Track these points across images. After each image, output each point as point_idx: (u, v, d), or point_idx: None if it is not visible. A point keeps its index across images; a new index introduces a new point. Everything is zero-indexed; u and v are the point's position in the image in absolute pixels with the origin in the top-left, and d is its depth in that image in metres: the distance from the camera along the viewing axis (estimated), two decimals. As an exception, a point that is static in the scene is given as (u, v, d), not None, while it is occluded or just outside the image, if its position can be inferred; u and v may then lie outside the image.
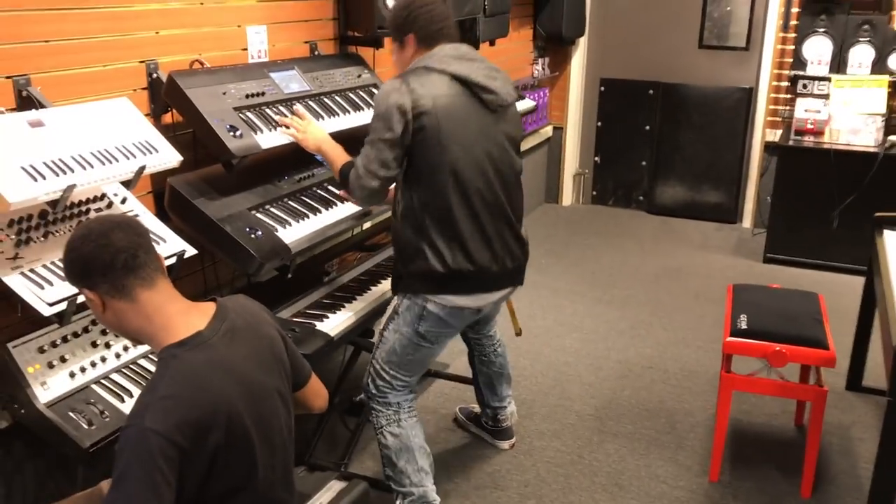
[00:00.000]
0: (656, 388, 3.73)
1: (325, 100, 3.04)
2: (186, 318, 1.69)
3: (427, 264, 2.45)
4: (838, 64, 5.27)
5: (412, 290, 2.53)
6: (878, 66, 5.16)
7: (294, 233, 2.62)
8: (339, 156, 2.67)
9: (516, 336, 3.22)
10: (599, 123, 6.47)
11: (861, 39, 5.19)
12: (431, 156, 2.39)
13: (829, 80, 5.25)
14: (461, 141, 2.40)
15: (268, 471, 1.75)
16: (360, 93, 3.23)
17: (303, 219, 2.71)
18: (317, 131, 2.76)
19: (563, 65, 6.27)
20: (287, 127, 2.73)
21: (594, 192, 6.65)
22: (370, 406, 2.69)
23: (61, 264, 2.01)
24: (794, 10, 5.44)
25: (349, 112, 3.08)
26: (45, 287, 1.97)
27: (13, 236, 2.03)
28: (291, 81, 2.95)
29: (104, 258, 1.63)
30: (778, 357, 2.84)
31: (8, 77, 2.19)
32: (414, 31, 2.49)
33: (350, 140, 3.15)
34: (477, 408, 3.33)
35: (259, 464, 1.71)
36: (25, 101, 2.19)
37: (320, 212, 2.79)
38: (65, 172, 1.99)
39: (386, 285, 2.98)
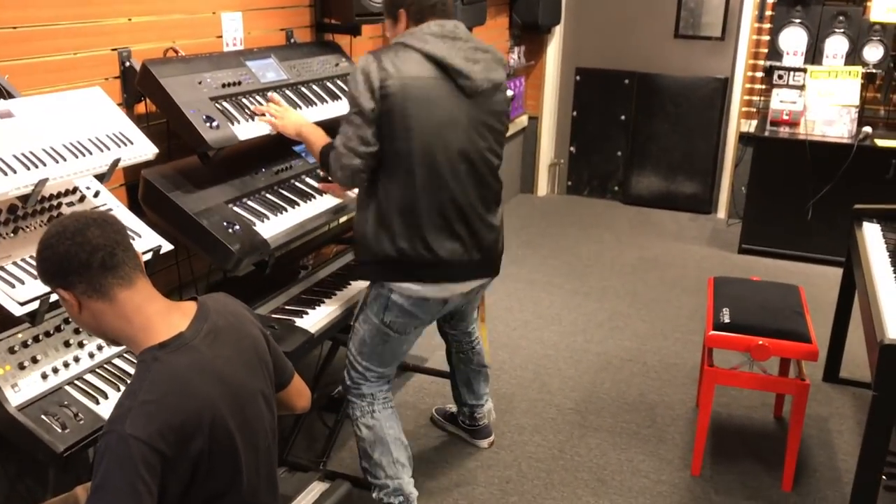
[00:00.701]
0: (636, 381, 3.73)
1: (303, 89, 2.98)
2: (167, 318, 1.63)
3: (385, 250, 2.42)
4: (813, 55, 5.30)
5: (374, 277, 2.51)
6: (853, 58, 5.19)
7: (272, 227, 2.57)
8: (319, 138, 2.62)
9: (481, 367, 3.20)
10: (575, 113, 6.46)
11: (836, 30, 5.22)
12: (395, 138, 2.33)
13: (804, 70, 5.28)
14: (427, 125, 2.33)
15: (252, 475, 1.70)
16: (338, 81, 3.17)
17: (281, 212, 2.66)
18: (295, 116, 2.71)
19: (538, 54, 6.24)
20: (264, 115, 2.67)
21: (569, 183, 6.65)
22: (347, 398, 2.69)
23: (33, 262, 1.94)
24: (770, 0, 5.45)
25: (327, 101, 3.02)
26: (15, 286, 1.90)
27: (-19, 232, 1.96)
28: (268, 70, 2.89)
29: (80, 257, 1.57)
30: (761, 351, 2.84)
31: (-26, 66, 2.11)
32: (405, 7, 2.43)
33: (328, 130, 3.09)
34: (453, 407, 3.29)
35: (243, 468, 1.66)
36: (-7, 91, 2.11)
37: (298, 205, 2.74)
38: (36, 166, 1.92)
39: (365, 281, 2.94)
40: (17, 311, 1.87)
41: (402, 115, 2.31)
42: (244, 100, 2.69)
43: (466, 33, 2.45)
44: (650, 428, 3.36)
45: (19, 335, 2.03)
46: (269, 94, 2.78)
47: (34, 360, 2.02)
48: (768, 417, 3.46)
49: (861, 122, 5.12)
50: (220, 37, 2.99)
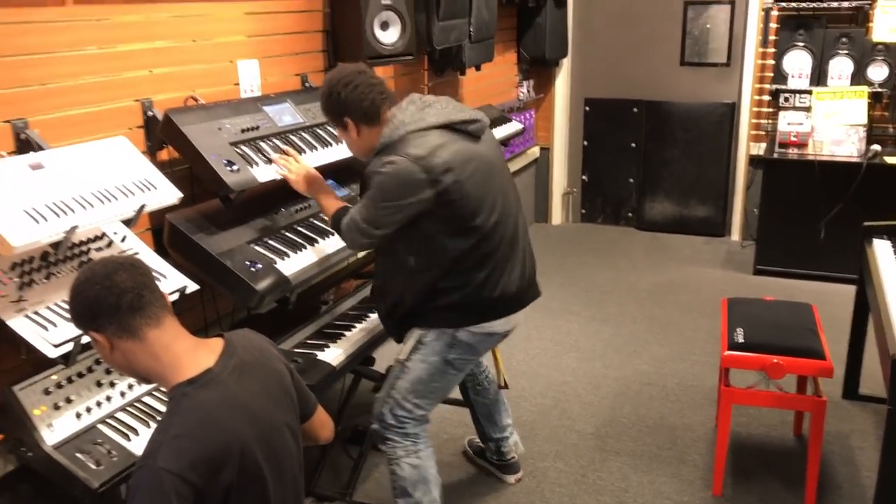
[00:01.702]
0: (655, 404, 3.74)
1: (318, 131, 3.06)
2: (195, 355, 1.69)
3: (455, 300, 2.47)
4: (818, 76, 5.35)
5: (443, 324, 2.53)
6: (858, 78, 5.24)
7: (293, 264, 2.64)
8: (331, 202, 2.65)
9: (501, 388, 3.21)
10: (586, 142, 6.53)
11: (840, 52, 5.27)
12: (462, 206, 2.39)
13: (810, 92, 5.33)
14: (474, 179, 2.41)
15: (279, 504, 1.75)
16: (352, 122, 3.25)
17: (301, 250, 2.72)
18: (309, 175, 2.73)
19: (547, 86, 6.33)
20: (284, 158, 2.75)
21: (583, 211, 6.70)
22: (385, 437, 2.64)
23: (65, 305, 2.02)
24: (773, 25, 5.52)
25: (342, 142, 3.09)
26: (49, 328, 1.98)
27: (16, 279, 2.04)
28: (285, 114, 2.97)
29: (110, 300, 1.63)
30: (776, 369, 2.86)
31: (6, 121, 2.20)
32: (348, 114, 2.44)
33: (344, 170, 3.18)
34: (480, 442, 3.28)
35: (272, 499, 1.71)
36: (24, 144, 2.21)
37: (317, 242, 2.81)
38: (66, 213, 2.01)
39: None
40: (52, 353, 1.94)
41: (461, 184, 2.37)
42: (262, 143, 2.77)
43: (430, 96, 2.53)
44: (671, 450, 3.37)
45: (53, 377, 2.11)
46: (286, 147, 2.82)
47: (68, 401, 2.09)
48: (788, 436, 3.46)
49: (870, 140, 5.14)
50: (238, 84, 3.09)
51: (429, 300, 2.50)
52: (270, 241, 2.70)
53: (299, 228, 2.84)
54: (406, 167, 2.32)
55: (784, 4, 5.31)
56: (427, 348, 2.55)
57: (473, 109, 2.56)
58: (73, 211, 2.03)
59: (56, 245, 2.02)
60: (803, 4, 5.25)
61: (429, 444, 2.69)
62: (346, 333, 2.82)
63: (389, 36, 3.50)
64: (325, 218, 2.71)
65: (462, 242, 2.43)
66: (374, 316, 2.98)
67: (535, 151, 6.38)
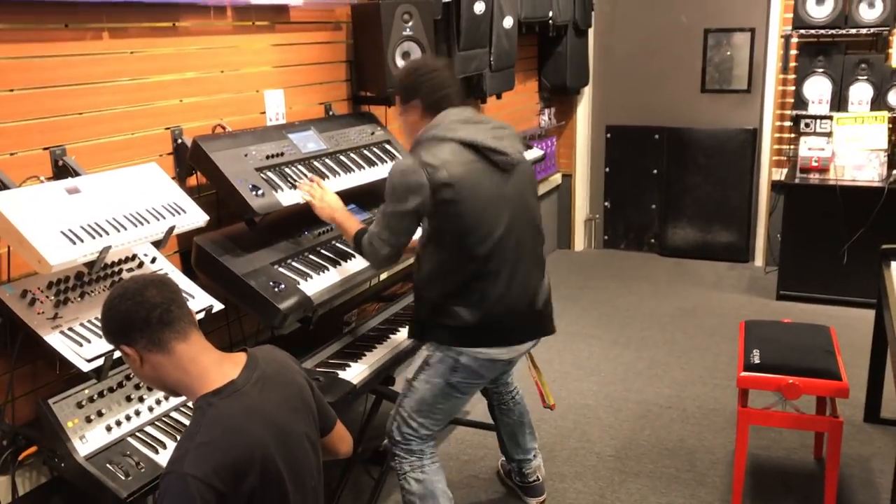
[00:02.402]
0: (675, 427, 3.77)
1: (342, 157, 3.17)
2: (220, 367, 1.78)
3: (457, 320, 2.54)
4: (839, 102, 5.40)
5: (443, 342, 2.60)
6: (878, 103, 5.28)
7: (315, 285, 2.73)
8: (352, 225, 2.76)
9: (549, 409, 3.24)
10: (607, 169, 6.60)
11: (860, 78, 5.32)
12: (454, 223, 2.47)
13: (830, 118, 5.37)
14: (479, 205, 2.48)
15: (300, 513, 1.82)
16: (374, 149, 3.36)
17: (323, 271, 2.82)
18: (332, 201, 2.83)
19: (569, 114, 6.42)
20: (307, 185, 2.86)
21: (606, 237, 6.75)
22: (393, 452, 2.73)
23: (98, 322, 2.12)
24: (792, 52, 5.59)
25: (364, 168, 3.21)
26: (83, 344, 2.08)
27: (52, 297, 2.15)
28: (309, 141, 3.09)
29: (141, 314, 1.73)
30: (791, 389, 2.89)
31: (45, 148, 2.33)
32: (419, 97, 2.58)
33: (366, 195, 3.28)
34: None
35: (292, 506, 1.78)
36: (62, 170, 2.33)
37: (340, 264, 2.90)
38: (100, 235, 2.11)
39: (405, 333, 3.07)
40: (85, 367, 2.04)
41: (456, 200, 2.45)
42: (287, 169, 2.88)
43: (482, 115, 2.65)
44: (690, 472, 3.40)
45: (86, 391, 2.20)
46: (312, 176, 2.93)
47: (99, 414, 2.19)
48: (808, 459, 3.47)
49: (891, 165, 5.16)
50: (264, 112, 3.21)
51: (436, 312, 2.57)
52: (294, 263, 2.80)
53: (322, 251, 2.94)
54: (412, 169, 2.45)
55: (803, 31, 5.37)
56: (432, 369, 2.62)
57: (516, 145, 2.62)
58: (106, 233, 2.13)
59: (90, 265, 2.13)
60: (822, 31, 5.31)
61: (435, 459, 2.75)
62: (367, 353, 2.90)
63: (411, 65, 3.61)
64: (347, 241, 2.81)
65: (466, 257, 2.51)
66: (394, 337, 3.06)
67: (556, 178, 6.46)
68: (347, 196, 3.21)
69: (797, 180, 5.23)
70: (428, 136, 2.52)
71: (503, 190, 2.55)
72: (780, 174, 5.79)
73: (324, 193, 2.84)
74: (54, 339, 2.07)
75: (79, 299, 2.21)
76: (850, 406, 3.71)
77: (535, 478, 3.23)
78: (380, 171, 3.24)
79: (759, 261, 6.15)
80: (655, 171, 6.41)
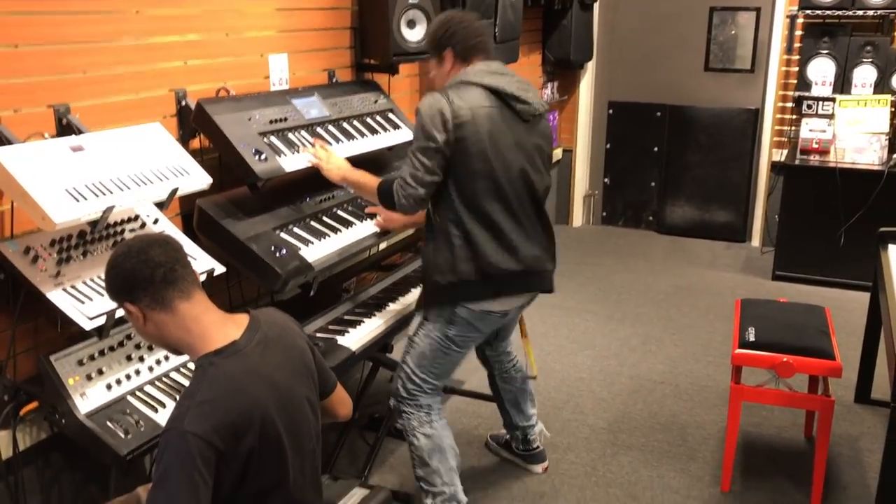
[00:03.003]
0: (668, 402, 3.81)
1: (344, 124, 3.17)
2: (222, 328, 1.79)
3: (456, 275, 2.57)
4: (842, 84, 5.38)
5: (443, 302, 2.64)
6: (881, 86, 5.27)
7: (317, 251, 2.74)
8: (368, 179, 2.77)
9: (531, 379, 3.25)
10: (608, 145, 6.59)
11: (864, 60, 5.30)
12: (471, 163, 2.51)
13: (833, 100, 5.36)
14: (498, 149, 2.54)
15: (298, 474, 1.84)
16: (377, 118, 3.35)
17: (324, 238, 2.83)
18: (339, 162, 2.86)
19: (571, 89, 6.40)
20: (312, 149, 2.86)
21: (604, 213, 6.76)
22: (401, 410, 2.77)
23: (100, 281, 2.14)
24: (797, 32, 5.56)
25: (367, 136, 3.20)
26: (85, 302, 2.09)
27: (55, 255, 2.16)
28: (312, 107, 3.08)
29: (145, 272, 1.74)
30: (785, 368, 2.92)
31: (49, 106, 2.32)
32: (452, 46, 2.63)
33: (369, 163, 3.27)
34: (506, 433, 3.36)
35: (290, 467, 1.81)
36: (66, 128, 2.33)
37: (341, 231, 2.91)
38: (104, 194, 2.12)
39: (404, 301, 3.09)
40: (87, 325, 2.05)
41: (476, 140, 2.50)
42: (290, 135, 2.88)
43: (509, 69, 2.68)
44: (681, 447, 3.43)
45: (87, 349, 2.22)
46: (315, 139, 2.93)
47: (100, 372, 2.21)
48: (799, 437, 3.51)
49: (892, 149, 5.16)
50: (268, 77, 3.20)
51: (440, 271, 2.59)
52: (295, 229, 2.80)
53: (324, 218, 2.95)
54: (438, 101, 2.49)
55: (809, 12, 5.34)
56: (430, 324, 2.69)
57: (537, 98, 2.67)
58: (110, 192, 2.14)
59: (93, 224, 2.14)
60: (828, 12, 5.29)
61: (443, 414, 2.80)
62: (366, 320, 2.91)
63: (416, 34, 3.60)
64: (365, 196, 2.81)
65: (473, 202, 2.53)
66: (393, 305, 3.08)
67: (557, 153, 6.45)
68: (351, 164, 3.21)
69: (797, 162, 5.24)
70: (455, 82, 2.58)
71: (521, 139, 2.61)
72: (781, 155, 5.79)
73: (329, 155, 2.85)
74: (56, 297, 2.08)
75: (81, 258, 2.21)
76: (842, 386, 3.74)
77: (538, 444, 3.28)
78: (382, 140, 3.24)
79: (755, 241, 6.17)
80: (656, 149, 6.41)
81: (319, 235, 2.83)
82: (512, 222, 2.60)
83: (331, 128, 3.09)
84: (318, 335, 2.77)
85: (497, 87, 2.56)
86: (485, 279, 2.59)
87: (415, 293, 3.16)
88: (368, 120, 3.31)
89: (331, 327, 2.85)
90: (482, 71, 2.59)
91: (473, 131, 2.49)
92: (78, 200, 2.04)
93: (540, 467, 3.28)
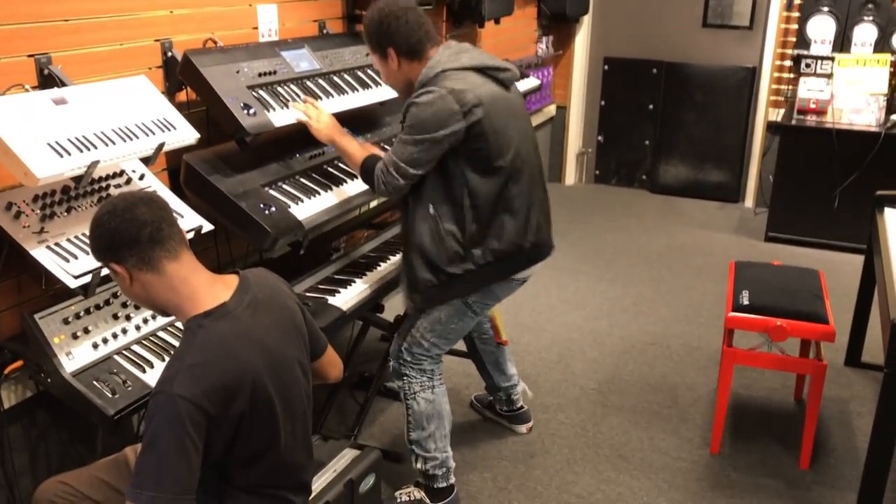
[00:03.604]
0: (658, 364, 3.82)
1: (335, 78, 3.10)
2: (211, 289, 1.76)
3: (478, 259, 2.56)
4: (841, 43, 5.33)
5: (464, 294, 2.64)
6: (882, 45, 5.22)
7: (306, 209, 2.70)
8: (356, 149, 2.69)
9: (500, 344, 3.26)
10: (603, 102, 6.53)
11: (865, 18, 5.24)
12: (489, 145, 2.48)
13: (832, 59, 5.31)
14: (506, 124, 2.53)
15: (289, 436, 1.84)
16: (369, 71, 3.28)
17: (315, 195, 2.79)
18: (329, 121, 2.77)
19: (566, 43, 6.32)
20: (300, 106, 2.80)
21: (597, 172, 6.72)
22: (402, 372, 2.76)
23: (85, 238, 2.09)
24: (799, -12, 5.49)
25: (358, 90, 3.14)
26: (70, 260, 2.05)
27: (38, 211, 2.11)
28: (302, 60, 3.01)
29: (131, 232, 1.70)
30: (778, 332, 2.92)
31: (30, 55, 2.25)
32: (393, 46, 2.54)
33: (359, 118, 3.23)
34: (489, 395, 3.37)
35: (281, 429, 1.80)
36: (47, 80, 2.26)
37: (331, 189, 2.86)
38: (88, 149, 2.06)
39: (396, 260, 3.06)
40: (72, 283, 2.02)
41: (489, 122, 2.46)
42: (279, 88, 2.82)
43: (466, 44, 2.64)
44: (671, 408, 3.45)
45: (72, 307, 2.19)
46: (306, 97, 2.86)
47: (86, 331, 2.18)
48: (789, 399, 3.54)
49: (890, 110, 5.13)
50: (256, 28, 3.12)
51: (452, 262, 2.56)
52: (285, 186, 2.76)
53: (314, 175, 2.90)
54: (441, 96, 2.42)
55: (811, -33, 5.27)
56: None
57: (504, 60, 2.66)
58: (94, 147, 2.08)
59: (77, 179, 2.09)
60: (831, -32, 5.21)
61: (443, 381, 2.81)
62: (357, 280, 2.89)
63: (409, -15, 3.51)
64: (349, 164, 2.75)
65: (489, 184, 2.51)
66: (384, 265, 3.05)
67: (551, 109, 6.39)
68: (342, 119, 3.15)
69: (794, 122, 5.20)
70: (436, 72, 2.49)
71: (513, 108, 2.61)
72: (777, 115, 5.75)
73: (319, 114, 2.78)
74: (40, 254, 2.04)
75: (65, 214, 2.17)
76: (832, 349, 3.76)
77: (521, 404, 3.30)
78: (375, 94, 3.18)
79: (749, 202, 6.16)
80: (651, 107, 6.35)
81: (310, 193, 2.79)
82: (535, 192, 2.62)
83: (321, 81, 3.03)
84: (308, 295, 2.74)
85: (479, 64, 2.52)
86: (524, 252, 2.62)
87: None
88: (360, 74, 3.24)
89: (321, 287, 2.82)
90: (452, 56, 2.52)
91: (485, 114, 2.45)
92: (61, 155, 1.99)
93: (524, 427, 3.30)
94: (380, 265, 3.04)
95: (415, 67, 2.56)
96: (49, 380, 2.09)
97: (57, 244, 2.08)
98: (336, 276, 2.92)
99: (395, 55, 2.55)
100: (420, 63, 2.55)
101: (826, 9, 5.33)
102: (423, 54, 2.55)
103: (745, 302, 3.04)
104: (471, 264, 2.57)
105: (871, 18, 5.23)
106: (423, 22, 2.55)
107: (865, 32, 5.25)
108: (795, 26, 5.54)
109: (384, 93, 3.21)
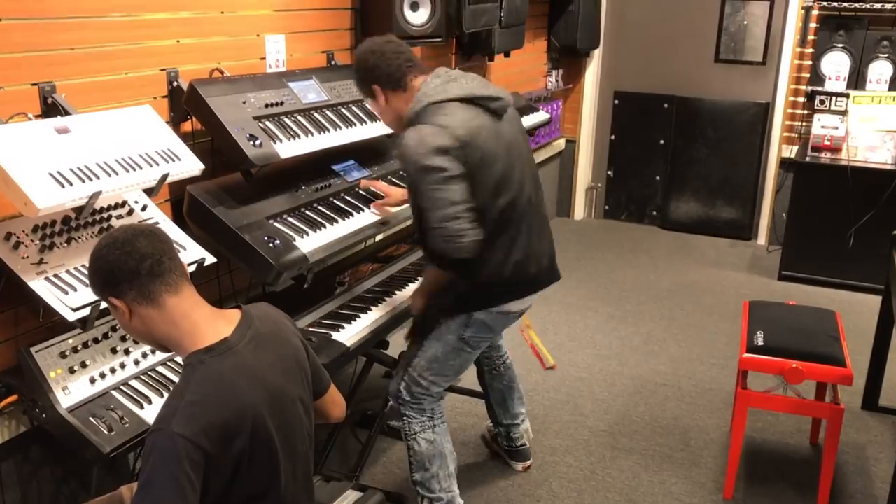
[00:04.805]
0: (670, 405, 3.78)
1: (343, 110, 3.11)
2: (213, 324, 1.75)
3: (481, 281, 2.54)
4: (856, 80, 5.34)
5: (460, 311, 2.62)
6: (897, 83, 5.23)
7: (312, 242, 2.69)
8: (430, 272, 2.66)
9: (549, 369, 3.21)
10: (613, 137, 6.54)
11: (880, 55, 5.26)
12: (483, 177, 2.45)
13: (847, 95, 5.32)
14: (499, 155, 2.50)
15: (289, 478, 1.80)
16: (377, 103, 3.29)
17: (320, 228, 2.78)
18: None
19: (577, 77, 6.35)
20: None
21: (607, 207, 6.72)
22: (402, 413, 2.73)
23: (85, 270, 2.09)
24: (812, 24, 5.51)
25: (366, 122, 3.15)
26: (69, 292, 2.04)
27: (38, 242, 2.11)
28: (309, 91, 3.02)
29: (130, 265, 1.68)
30: (794, 374, 2.89)
31: (34, 84, 2.26)
32: (376, 82, 2.54)
33: (367, 150, 3.24)
34: (493, 428, 3.34)
35: (281, 470, 1.76)
36: (51, 108, 2.27)
37: (337, 221, 2.86)
38: (91, 179, 2.06)
39: (402, 295, 3.05)
40: (70, 316, 2.00)
41: (481, 154, 2.44)
42: (286, 119, 2.82)
43: (457, 71, 2.62)
44: (683, 451, 3.41)
45: (70, 340, 2.17)
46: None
47: (83, 365, 2.16)
48: (804, 444, 3.48)
49: (905, 148, 5.13)
50: (264, 58, 3.14)
51: (472, 274, 2.55)
52: (290, 219, 2.75)
53: (319, 207, 2.90)
54: (431, 133, 2.38)
55: (825, 3, 5.29)
56: (443, 327, 2.65)
57: (498, 88, 2.63)
58: (97, 177, 2.08)
59: (79, 210, 2.08)
60: (845, 4, 5.24)
61: (444, 419, 2.78)
62: (362, 315, 2.87)
63: (419, 17, 3.55)
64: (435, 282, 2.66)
65: (482, 213, 2.48)
66: (390, 299, 3.03)
67: (560, 143, 6.41)
68: (349, 151, 3.17)
69: (808, 159, 5.19)
70: (422, 106, 2.46)
71: (507, 136, 2.57)
72: (791, 151, 5.75)
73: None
74: (39, 286, 2.03)
75: (65, 245, 2.16)
76: (849, 392, 3.71)
77: (522, 442, 3.27)
78: (383, 126, 3.17)
79: (762, 239, 6.14)
80: (662, 142, 6.36)
81: (315, 225, 2.78)
82: (526, 223, 2.59)
83: (329, 113, 3.04)
84: (312, 330, 2.73)
85: (469, 94, 2.48)
86: (510, 284, 2.59)
87: (413, 287, 3.12)
88: (368, 106, 3.24)
89: (324, 322, 2.80)
90: (439, 85, 2.49)
91: (476, 147, 2.43)
92: (63, 185, 1.99)
93: (521, 465, 3.27)
94: (385, 300, 3.02)
95: (401, 97, 2.54)
96: (44, 415, 2.07)
97: (56, 276, 2.08)
98: (340, 311, 2.90)
99: (381, 90, 2.56)
100: (405, 93, 2.54)
101: (840, 45, 5.35)
102: (405, 83, 2.53)
103: (760, 343, 3.01)
104: (476, 287, 2.56)
105: (886, 55, 5.25)
106: (401, 51, 2.55)
107: (881, 69, 5.27)
108: (809, 62, 5.56)
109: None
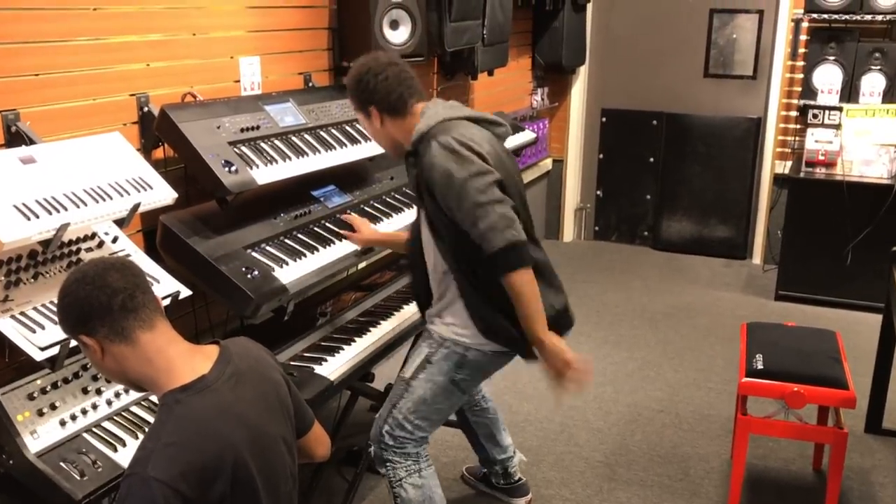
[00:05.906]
0: (668, 433, 3.77)
1: (322, 133, 3.11)
2: (190, 361, 1.72)
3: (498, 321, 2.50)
4: (849, 93, 5.40)
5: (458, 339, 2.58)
6: (891, 95, 5.29)
7: (292, 272, 2.67)
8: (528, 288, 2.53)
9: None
10: (601, 155, 6.58)
11: (872, 67, 5.33)
12: (507, 193, 2.45)
13: (840, 109, 5.37)
14: (510, 174, 2.50)
15: (272, 521, 1.78)
16: (357, 125, 3.29)
17: (300, 257, 2.76)
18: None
19: (562, 95, 6.39)
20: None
21: (596, 228, 6.74)
22: (385, 458, 2.67)
23: (53, 307, 2.05)
24: (803, 37, 5.58)
25: (346, 145, 3.14)
26: (36, 330, 2.01)
27: (2, 278, 2.07)
28: (286, 114, 3.02)
29: (101, 300, 1.66)
30: (796, 398, 2.89)
31: (-3, 112, 2.25)
32: (374, 104, 2.51)
33: (348, 174, 3.23)
34: (483, 468, 3.30)
35: (264, 514, 1.74)
36: (15, 137, 2.25)
37: (318, 250, 2.84)
38: (58, 210, 2.04)
39: (387, 325, 3.03)
40: (38, 356, 1.97)
41: (504, 173, 2.43)
42: (263, 144, 2.81)
43: (453, 101, 2.63)
44: (683, 481, 3.39)
45: (38, 381, 2.13)
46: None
47: (53, 407, 2.12)
48: (807, 469, 3.48)
49: (901, 161, 5.18)
50: (238, 81, 3.14)
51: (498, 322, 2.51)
52: (268, 248, 2.73)
53: (299, 235, 2.88)
54: (459, 143, 2.36)
55: (815, 15, 5.36)
56: (434, 367, 2.59)
57: (496, 115, 2.66)
58: (64, 208, 2.06)
59: (46, 243, 2.06)
60: (835, 16, 5.30)
61: (430, 462, 2.72)
62: (346, 347, 2.85)
63: (399, 35, 3.56)
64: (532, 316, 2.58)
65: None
66: (375, 330, 3.01)
67: (547, 163, 6.43)
68: (327, 176, 3.16)
69: (802, 174, 5.24)
70: (437, 121, 2.44)
71: (510, 163, 2.58)
72: (784, 167, 5.80)
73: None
74: (4, 324, 1.99)
75: (32, 280, 2.13)
76: (851, 415, 3.71)
77: (519, 476, 3.24)
78: (363, 150, 3.18)
79: (756, 258, 6.17)
80: (652, 160, 6.40)
81: (295, 255, 2.76)
82: (544, 254, 2.62)
83: (307, 136, 3.03)
84: (293, 364, 2.70)
85: (476, 115, 2.51)
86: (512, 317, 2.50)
87: (399, 316, 3.11)
88: (348, 128, 3.25)
89: (307, 355, 2.78)
90: (446, 107, 2.51)
91: (496, 164, 2.41)
92: (28, 218, 1.96)
93: (523, 500, 3.23)
94: (370, 330, 3.00)
95: (399, 124, 2.52)
96: (11, 461, 2.02)
97: (22, 313, 2.04)
98: (323, 343, 2.88)
99: (377, 113, 2.52)
100: (404, 119, 2.51)
101: (832, 58, 5.41)
102: (405, 110, 2.51)
103: (760, 366, 3.01)
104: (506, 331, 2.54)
105: (878, 68, 5.31)
106: (404, 77, 2.52)
107: (873, 82, 5.33)
108: (801, 76, 5.62)
109: (373, 148, 3.21)
